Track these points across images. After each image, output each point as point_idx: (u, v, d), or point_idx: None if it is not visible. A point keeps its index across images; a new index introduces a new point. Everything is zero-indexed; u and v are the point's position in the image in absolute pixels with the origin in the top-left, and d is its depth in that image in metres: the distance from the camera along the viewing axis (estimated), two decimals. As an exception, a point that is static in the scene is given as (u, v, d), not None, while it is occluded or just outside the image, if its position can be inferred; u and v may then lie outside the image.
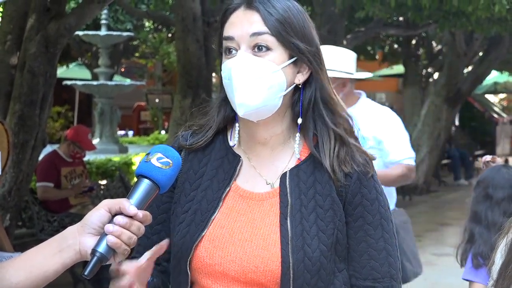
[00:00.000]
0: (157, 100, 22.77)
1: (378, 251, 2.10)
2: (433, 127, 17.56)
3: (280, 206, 2.06)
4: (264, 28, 2.03)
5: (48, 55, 6.67)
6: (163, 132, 21.23)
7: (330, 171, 2.06)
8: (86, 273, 1.74)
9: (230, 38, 2.06)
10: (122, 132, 21.47)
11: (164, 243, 1.93)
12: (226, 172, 2.13)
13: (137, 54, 20.97)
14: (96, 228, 1.78)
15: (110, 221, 1.77)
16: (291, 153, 2.13)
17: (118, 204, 1.78)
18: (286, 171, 2.10)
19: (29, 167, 7.04)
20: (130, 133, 22.99)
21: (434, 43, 20.28)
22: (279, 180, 2.11)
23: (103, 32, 15.51)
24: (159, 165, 1.84)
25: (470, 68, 18.97)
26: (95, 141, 14.55)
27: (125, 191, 9.51)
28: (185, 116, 10.16)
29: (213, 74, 12.23)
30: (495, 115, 26.38)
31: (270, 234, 2.04)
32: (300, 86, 2.10)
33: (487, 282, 3.33)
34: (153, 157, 1.86)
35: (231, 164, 2.14)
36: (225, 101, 2.13)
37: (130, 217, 1.77)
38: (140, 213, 1.78)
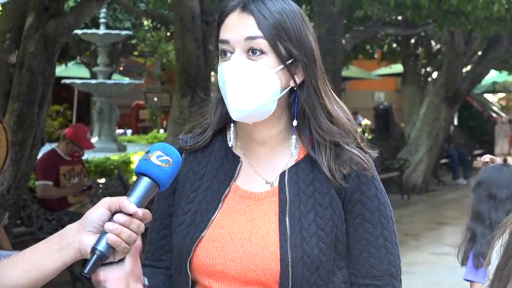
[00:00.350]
0: (155, 99, 22.76)
1: (378, 248, 2.10)
2: (432, 127, 17.57)
3: (279, 204, 2.07)
4: (258, 32, 2.03)
5: (47, 53, 6.66)
6: (161, 130, 21.24)
7: (328, 174, 2.07)
8: (86, 271, 1.73)
9: (225, 42, 2.07)
10: (120, 131, 21.47)
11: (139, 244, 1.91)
12: (225, 173, 2.14)
13: (135, 53, 20.98)
14: (96, 226, 1.78)
15: (110, 219, 1.77)
16: (289, 153, 2.14)
17: (118, 202, 1.77)
18: (285, 170, 2.11)
19: (28, 166, 7.03)
20: (129, 131, 23.00)
21: (433, 42, 20.30)
22: (278, 179, 2.11)
23: (101, 30, 15.51)
24: (158, 163, 1.84)
25: (469, 67, 18.99)
26: (94, 139, 14.55)
27: (124, 189, 9.51)
28: (183, 114, 10.16)
29: (212, 73, 12.22)
30: (494, 115, 26.40)
31: (269, 232, 2.04)
32: (295, 88, 2.10)
33: None
34: (153, 155, 1.85)
35: (230, 165, 2.15)
36: (222, 101, 2.13)
37: (130, 215, 1.76)
38: (140, 211, 1.78)
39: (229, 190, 2.12)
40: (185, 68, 10.24)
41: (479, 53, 18.43)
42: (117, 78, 18.60)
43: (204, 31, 10.30)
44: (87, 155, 10.72)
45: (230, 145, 2.17)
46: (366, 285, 2.10)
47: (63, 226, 1.84)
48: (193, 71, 10.17)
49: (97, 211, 1.79)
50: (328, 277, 2.04)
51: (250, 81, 2.02)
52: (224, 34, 2.08)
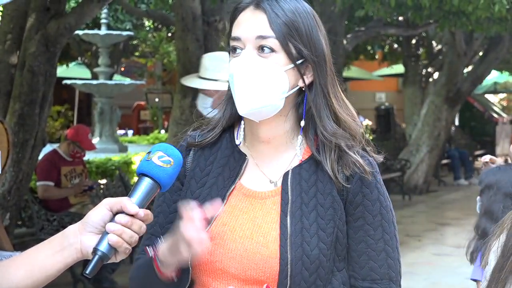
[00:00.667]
0: (157, 100, 22.76)
1: (378, 252, 2.10)
2: (433, 127, 17.57)
3: (281, 204, 2.08)
4: (270, 32, 2.04)
5: (48, 54, 6.67)
6: (162, 131, 21.22)
7: (332, 175, 2.07)
8: (87, 272, 1.73)
9: (236, 38, 2.08)
10: (121, 132, 21.46)
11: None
12: (231, 171, 2.15)
13: (137, 54, 20.98)
14: (97, 227, 1.78)
15: (112, 219, 1.77)
16: (294, 153, 2.14)
17: (119, 203, 1.77)
18: (288, 170, 2.11)
19: (29, 166, 7.04)
20: (130, 132, 22.99)
21: (434, 43, 20.28)
22: (282, 178, 2.11)
23: (103, 31, 15.51)
24: (160, 163, 1.84)
25: (470, 67, 18.97)
26: (95, 140, 14.55)
27: (125, 190, 9.51)
28: (185, 115, 10.15)
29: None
30: (495, 115, 26.37)
31: (270, 231, 2.05)
32: (303, 89, 2.10)
33: None
34: (154, 155, 1.85)
35: (236, 162, 2.15)
36: (231, 99, 2.13)
37: (132, 215, 1.77)
38: (142, 212, 1.78)
39: (234, 187, 2.13)
40: (186, 68, 10.22)
41: (480, 53, 18.42)
42: (118, 79, 18.59)
43: (205, 32, 10.29)
44: (88, 156, 10.71)
45: (237, 143, 2.18)
46: (365, 288, 2.11)
47: (64, 227, 1.85)
48: (194, 71, 10.15)
49: (99, 212, 1.79)
50: (327, 278, 2.05)
51: (259, 78, 2.03)
52: (236, 31, 2.09)
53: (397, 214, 2.16)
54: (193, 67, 10.16)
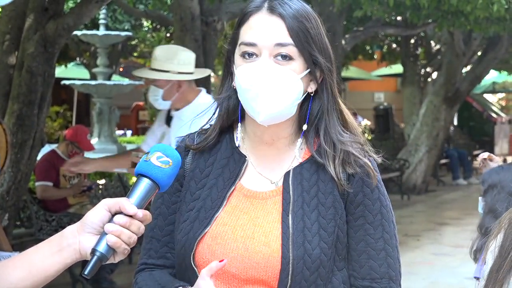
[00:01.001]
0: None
1: (377, 251, 2.10)
2: (432, 127, 17.57)
3: (282, 203, 2.08)
4: (289, 40, 2.04)
5: (46, 55, 6.66)
6: (161, 132, 21.17)
7: (336, 179, 2.08)
8: (86, 273, 1.73)
9: (252, 44, 2.05)
10: (120, 132, 21.45)
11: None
12: (231, 172, 2.15)
13: (135, 54, 20.97)
14: (96, 228, 1.78)
15: (110, 220, 1.77)
16: (294, 155, 2.15)
17: (118, 203, 1.77)
18: (289, 170, 2.12)
19: (27, 167, 7.03)
20: (129, 132, 22.97)
21: (432, 43, 20.28)
22: (282, 179, 2.11)
23: (101, 32, 15.50)
24: (158, 164, 1.84)
25: (468, 67, 18.98)
26: (94, 140, 14.53)
27: (124, 190, 9.51)
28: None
29: (212, 74, 12.21)
30: (494, 115, 26.38)
31: (272, 230, 2.05)
32: (311, 94, 2.11)
33: None
34: (153, 156, 1.85)
35: (236, 163, 2.15)
36: (228, 101, 2.13)
37: (130, 216, 1.76)
38: (140, 212, 1.77)
39: (234, 188, 2.13)
40: (185, 69, 10.22)
41: (479, 53, 18.43)
42: (117, 79, 18.57)
43: (204, 32, 10.29)
44: (87, 156, 10.70)
45: (237, 144, 2.17)
46: (365, 287, 2.11)
47: (63, 227, 1.85)
48: (192, 71, 10.16)
49: (97, 212, 1.79)
50: (327, 277, 2.05)
51: (278, 85, 2.03)
52: (250, 36, 2.06)
53: (396, 214, 2.17)
54: (192, 67, 10.17)
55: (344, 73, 19.80)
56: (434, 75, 20.39)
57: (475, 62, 18.28)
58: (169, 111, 5.27)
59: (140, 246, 2.22)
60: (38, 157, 7.72)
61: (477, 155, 21.52)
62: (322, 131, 2.10)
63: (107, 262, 1.78)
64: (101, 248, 1.74)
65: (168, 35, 18.30)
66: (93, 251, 1.75)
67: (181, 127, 5.11)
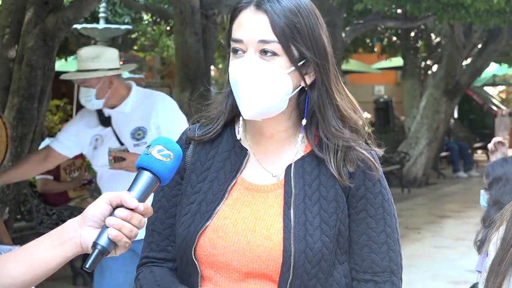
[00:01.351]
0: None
1: (379, 244, 2.10)
2: (432, 120, 17.57)
3: (284, 197, 2.08)
4: (272, 36, 2.03)
5: (46, 48, 6.64)
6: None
7: (336, 175, 2.07)
8: (87, 266, 1.73)
9: (238, 41, 2.06)
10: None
11: None
12: (232, 165, 2.14)
13: (135, 47, 20.96)
14: (97, 221, 1.78)
15: (111, 213, 1.77)
16: (295, 149, 2.15)
17: (119, 197, 1.77)
18: (291, 163, 2.11)
19: (28, 161, 7.01)
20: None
21: (433, 36, 20.26)
22: (284, 172, 2.11)
23: (101, 25, 15.48)
24: (160, 157, 1.83)
25: (469, 60, 18.96)
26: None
27: (124, 184, 9.50)
28: (183, 109, 10.12)
29: (212, 67, 12.20)
30: (494, 108, 26.36)
31: (273, 223, 2.05)
32: (306, 88, 2.10)
33: None
34: (154, 149, 1.85)
35: (238, 157, 2.15)
36: (231, 93, 2.13)
37: (131, 209, 1.76)
38: (141, 206, 1.77)
39: (235, 181, 2.12)
40: (185, 62, 10.23)
41: (479, 46, 18.42)
42: (116, 73, 18.55)
43: (204, 25, 10.28)
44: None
45: (238, 138, 2.17)
46: (366, 281, 2.11)
47: (63, 221, 1.84)
48: (192, 65, 10.16)
49: (98, 206, 1.78)
50: (329, 270, 2.05)
51: (262, 81, 2.03)
52: (237, 33, 2.07)
53: (396, 207, 2.17)
54: (192, 61, 10.16)
55: (344, 66, 19.75)
56: (435, 68, 20.37)
57: (475, 55, 18.26)
58: (100, 112, 5.20)
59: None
60: (38, 151, 7.72)
61: (478, 147, 21.59)
62: (320, 126, 2.10)
63: (108, 256, 1.78)
64: (102, 241, 1.74)
65: (168, 28, 18.28)
66: (94, 244, 1.75)
67: (129, 119, 5.11)
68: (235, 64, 2.06)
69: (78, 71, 5.16)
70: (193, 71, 10.16)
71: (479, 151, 24.92)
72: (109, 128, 5.14)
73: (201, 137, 2.19)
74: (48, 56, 6.68)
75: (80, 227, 1.79)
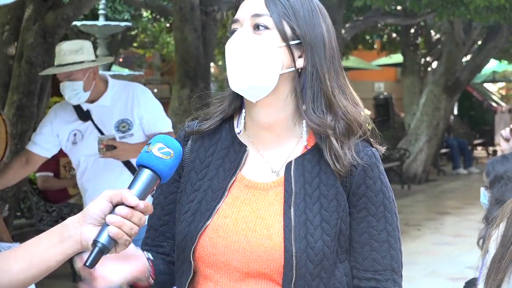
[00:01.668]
0: (155, 90, 22.68)
1: (380, 243, 2.09)
2: (432, 116, 17.57)
3: (284, 195, 2.06)
4: (265, 10, 2.06)
5: (45, 45, 6.64)
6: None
7: (331, 163, 2.05)
8: (88, 264, 1.73)
9: (235, 21, 2.10)
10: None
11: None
12: (232, 162, 2.13)
13: (135, 44, 20.96)
14: (97, 219, 1.77)
15: (112, 211, 1.77)
16: (296, 141, 2.12)
17: (120, 195, 1.77)
18: (291, 160, 2.10)
19: (27, 158, 7.01)
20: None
21: (432, 32, 20.26)
22: (284, 168, 2.10)
23: (101, 22, 15.47)
24: (160, 155, 1.83)
25: (468, 57, 18.96)
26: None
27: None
28: (183, 106, 10.17)
29: (211, 64, 12.19)
30: (494, 104, 26.37)
31: (273, 223, 2.03)
32: (299, 71, 2.09)
33: None
34: (154, 147, 1.84)
35: (237, 153, 2.14)
36: (231, 91, 2.13)
37: (132, 207, 1.76)
38: (142, 204, 1.77)
39: (235, 179, 2.11)
40: (185, 59, 10.23)
41: (479, 42, 18.42)
42: (116, 70, 18.56)
43: (203, 22, 10.28)
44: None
45: (238, 131, 2.16)
46: (368, 279, 2.10)
47: (63, 218, 1.84)
48: (192, 62, 10.16)
49: (99, 203, 1.78)
50: (331, 269, 2.04)
51: (250, 53, 2.03)
52: (236, 15, 2.11)
53: (396, 204, 2.16)
54: (191, 58, 10.16)
55: (344, 63, 19.67)
56: (434, 64, 20.37)
57: (475, 52, 18.27)
58: (77, 107, 5.18)
59: None
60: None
61: (477, 144, 21.58)
62: (318, 115, 2.07)
63: (109, 253, 1.78)
64: (103, 239, 1.74)
65: (168, 25, 18.29)
66: (95, 242, 1.74)
67: (111, 112, 5.10)
68: (228, 41, 2.09)
69: (63, 65, 5.13)
70: (192, 68, 10.16)
71: (479, 148, 24.95)
72: (89, 122, 5.13)
73: (199, 129, 2.18)
74: (48, 53, 6.68)
75: (81, 225, 1.79)
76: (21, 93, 6.67)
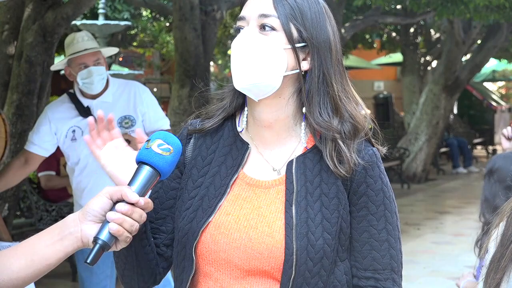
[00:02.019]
0: (155, 90, 22.71)
1: (380, 242, 2.09)
2: (432, 116, 17.56)
3: (285, 193, 2.07)
4: (272, 11, 2.06)
5: (45, 44, 6.64)
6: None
7: (331, 166, 2.06)
8: (88, 261, 1.73)
9: (241, 18, 2.10)
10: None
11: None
12: (234, 159, 2.14)
13: (135, 44, 20.97)
14: (97, 216, 1.78)
15: (112, 208, 1.77)
16: (297, 141, 2.13)
17: (120, 191, 1.77)
18: (292, 159, 2.10)
19: (27, 157, 7.01)
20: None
21: (432, 31, 20.27)
22: (285, 167, 2.10)
23: (100, 21, 15.48)
24: (159, 151, 1.83)
25: (468, 56, 18.97)
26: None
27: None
28: (183, 105, 10.16)
29: (211, 63, 12.19)
30: (494, 103, 26.39)
31: (275, 221, 2.04)
32: (303, 73, 2.09)
33: None
34: (154, 143, 1.85)
35: (239, 151, 2.15)
36: (233, 89, 2.13)
37: (132, 204, 1.76)
38: (142, 200, 1.77)
39: (237, 176, 2.12)
40: (184, 58, 10.22)
41: (479, 41, 18.41)
42: (116, 69, 18.56)
43: (203, 21, 10.28)
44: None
45: (240, 129, 2.17)
46: (367, 278, 2.10)
47: (63, 217, 1.84)
48: (192, 61, 10.16)
49: (99, 201, 1.78)
50: (331, 268, 2.04)
51: (256, 53, 2.04)
52: (242, 12, 2.11)
53: (396, 203, 2.16)
54: (191, 57, 10.16)
55: (344, 62, 19.70)
56: (434, 63, 20.39)
57: (475, 51, 18.26)
58: (78, 103, 5.17)
59: None
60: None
61: (477, 143, 21.57)
62: (320, 117, 2.08)
63: (110, 250, 1.78)
64: (103, 236, 1.74)
65: (167, 24, 18.29)
66: (95, 239, 1.75)
67: (113, 108, 5.10)
68: (235, 39, 2.09)
69: (71, 55, 5.12)
70: (192, 67, 10.16)
71: (479, 147, 24.95)
72: (90, 118, 5.12)
73: (201, 127, 2.19)
74: (47, 52, 6.68)
75: (81, 222, 1.79)
76: (21, 92, 6.67)
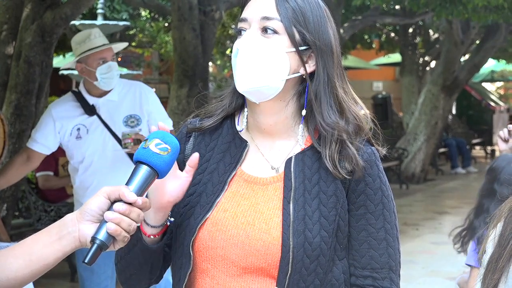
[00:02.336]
0: (153, 90, 22.72)
1: (378, 241, 2.10)
2: (430, 116, 17.57)
3: (283, 190, 2.07)
4: (275, 14, 2.06)
5: (44, 44, 6.64)
6: (160, 121, 21.11)
7: (331, 167, 2.06)
8: (86, 261, 1.73)
9: (243, 20, 2.10)
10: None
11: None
12: (232, 157, 2.15)
13: (133, 44, 20.97)
14: (95, 215, 1.78)
15: (110, 208, 1.77)
16: (295, 141, 2.14)
17: (118, 191, 1.77)
18: (291, 156, 2.11)
19: (25, 157, 7.01)
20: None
21: (431, 32, 20.27)
22: (284, 165, 2.11)
23: (99, 21, 15.48)
24: (157, 151, 1.83)
25: (467, 56, 18.97)
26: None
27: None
28: (181, 105, 10.16)
29: (210, 64, 12.19)
30: (492, 104, 26.38)
31: (272, 217, 2.04)
32: (305, 77, 2.10)
33: None
34: (151, 143, 1.85)
35: (238, 148, 2.15)
36: (233, 89, 2.14)
37: (130, 203, 1.76)
38: (140, 200, 1.77)
39: (235, 173, 2.13)
40: (183, 58, 10.22)
41: (477, 42, 18.42)
42: (115, 69, 18.56)
43: (202, 21, 10.27)
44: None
45: (239, 129, 2.18)
46: (365, 277, 2.10)
47: (61, 217, 1.84)
48: (190, 61, 10.15)
49: (97, 200, 1.78)
50: (327, 266, 2.04)
51: (259, 56, 2.04)
52: (243, 13, 2.11)
53: (395, 203, 2.16)
54: (190, 57, 10.16)
55: (343, 63, 19.71)
56: (433, 64, 20.38)
57: (473, 51, 18.27)
58: (83, 101, 5.18)
59: None
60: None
61: (476, 144, 21.55)
62: (317, 118, 2.09)
63: (108, 250, 1.78)
64: (101, 236, 1.74)
65: (166, 24, 18.29)
66: (93, 239, 1.74)
67: (119, 107, 5.11)
68: (236, 42, 2.09)
69: (80, 55, 5.15)
70: (191, 67, 10.16)
71: (477, 147, 24.96)
72: (94, 117, 5.12)
73: (201, 126, 2.19)
74: (46, 53, 6.68)
75: (79, 222, 1.79)
76: (19, 92, 6.67)
